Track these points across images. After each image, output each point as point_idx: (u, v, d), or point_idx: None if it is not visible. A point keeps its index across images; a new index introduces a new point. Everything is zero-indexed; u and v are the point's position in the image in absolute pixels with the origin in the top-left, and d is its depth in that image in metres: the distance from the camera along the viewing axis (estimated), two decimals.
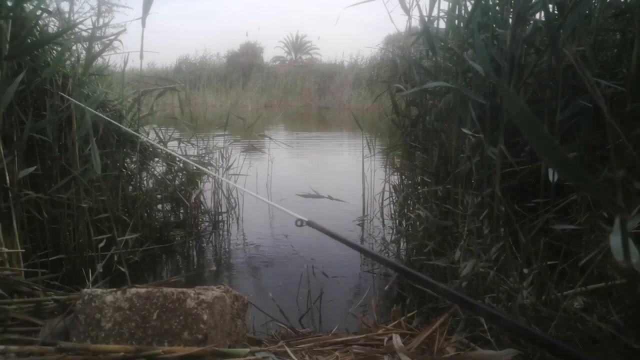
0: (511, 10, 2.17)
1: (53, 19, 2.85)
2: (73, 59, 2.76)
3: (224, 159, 3.91)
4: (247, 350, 1.53)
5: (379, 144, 4.40)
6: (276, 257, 3.25)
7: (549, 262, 1.70)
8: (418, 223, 2.67)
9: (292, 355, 1.55)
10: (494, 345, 1.60)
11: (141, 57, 3.01)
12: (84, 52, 2.74)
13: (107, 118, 2.61)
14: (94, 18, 2.94)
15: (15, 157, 2.31)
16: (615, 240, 0.60)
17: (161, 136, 3.59)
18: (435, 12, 2.58)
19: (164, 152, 3.42)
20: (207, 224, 3.86)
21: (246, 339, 1.79)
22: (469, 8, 2.33)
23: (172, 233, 3.51)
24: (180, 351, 1.46)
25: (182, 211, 3.66)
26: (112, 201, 2.92)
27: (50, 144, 2.56)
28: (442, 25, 2.59)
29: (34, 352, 1.43)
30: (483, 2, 2.30)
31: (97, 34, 2.85)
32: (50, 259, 2.56)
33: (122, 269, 2.53)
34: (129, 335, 1.55)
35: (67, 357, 1.40)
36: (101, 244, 2.64)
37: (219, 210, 3.90)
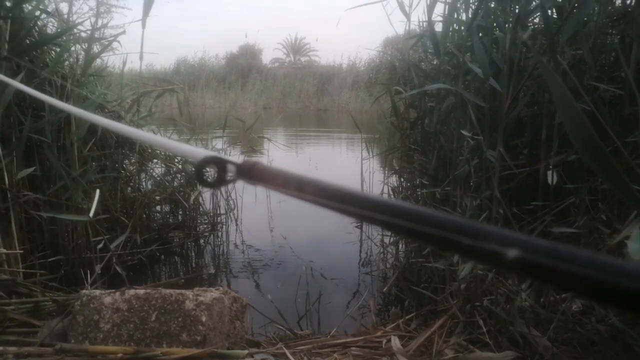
0: (511, 13, 2.18)
1: (52, 19, 2.85)
2: (72, 59, 2.76)
3: None
4: (246, 352, 1.53)
5: (378, 146, 4.40)
6: (275, 258, 3.25)
7: None
8: None
9: (290, 357, 1.55)
10: (493, 347, 1.60)
11: (141, 58, 3.01)
12: (82, 52, 2.74)
13: None
14: (93, 19, 2.95)
15: (14, 157, 2.31)
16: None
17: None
18: (432, 16, 2.58)
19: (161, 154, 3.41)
20: (205, 225, 3.86)
21: (245, 340, 1.79)
22: (469, 11, 2.34)
23: (170, 234, 3.51)
24: (179, 353, 1.46)
25: (180, 212, 3.65)
26: (110, 202, 2.91)
27: (49, 145, 2.55)
28: (439, 28, 2.59)
29: (32, 353, 1.43)
30: (483, 6, 2.31)
31: (96, 35, 2.85)
32: (48, 260, 2.56)
33: (119, 269, 2.53)
34: (128, 337, 1.55)
35: (65, 359, 1.40)
36: (100, 245, 2.63)
37: (218, 212, 3.89)
